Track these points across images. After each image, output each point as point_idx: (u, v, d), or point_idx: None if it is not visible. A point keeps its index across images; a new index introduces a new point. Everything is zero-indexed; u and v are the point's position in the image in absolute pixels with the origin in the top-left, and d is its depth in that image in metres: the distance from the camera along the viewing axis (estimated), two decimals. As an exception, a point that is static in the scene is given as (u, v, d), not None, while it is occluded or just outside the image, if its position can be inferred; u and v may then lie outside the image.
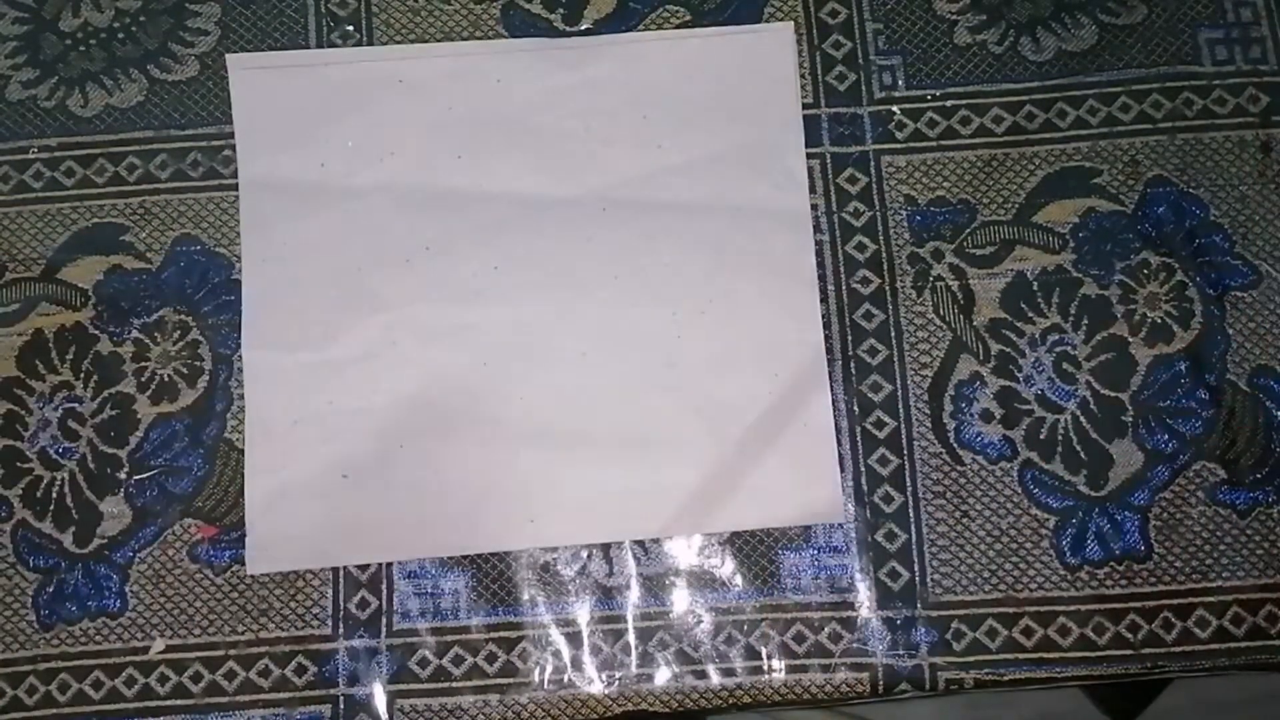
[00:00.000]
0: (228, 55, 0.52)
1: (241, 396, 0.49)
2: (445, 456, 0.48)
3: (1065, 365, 0.49)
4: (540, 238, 0.50)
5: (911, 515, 0.48)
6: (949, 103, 0.52)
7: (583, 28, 0.52)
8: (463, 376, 0.49)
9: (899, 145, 0.51)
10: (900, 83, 0.52)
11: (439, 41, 0.52)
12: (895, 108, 0.52)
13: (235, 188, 0.51)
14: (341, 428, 0.49)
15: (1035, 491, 0.48)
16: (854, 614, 0.47)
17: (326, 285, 0.50)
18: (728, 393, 0.49)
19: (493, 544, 0.48)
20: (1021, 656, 0.47)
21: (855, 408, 0.49)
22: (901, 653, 0.47)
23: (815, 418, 0.49)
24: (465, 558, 0.48)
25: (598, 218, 0.51)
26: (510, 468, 0.48)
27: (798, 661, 0.47)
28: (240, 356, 0.49)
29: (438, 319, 0.50)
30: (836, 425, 0.49)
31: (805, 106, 0.52)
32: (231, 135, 0.51)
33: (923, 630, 0.47)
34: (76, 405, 0.49)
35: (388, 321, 0.50)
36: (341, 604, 0.48)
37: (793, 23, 0.52)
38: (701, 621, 0.47)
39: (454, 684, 0.47)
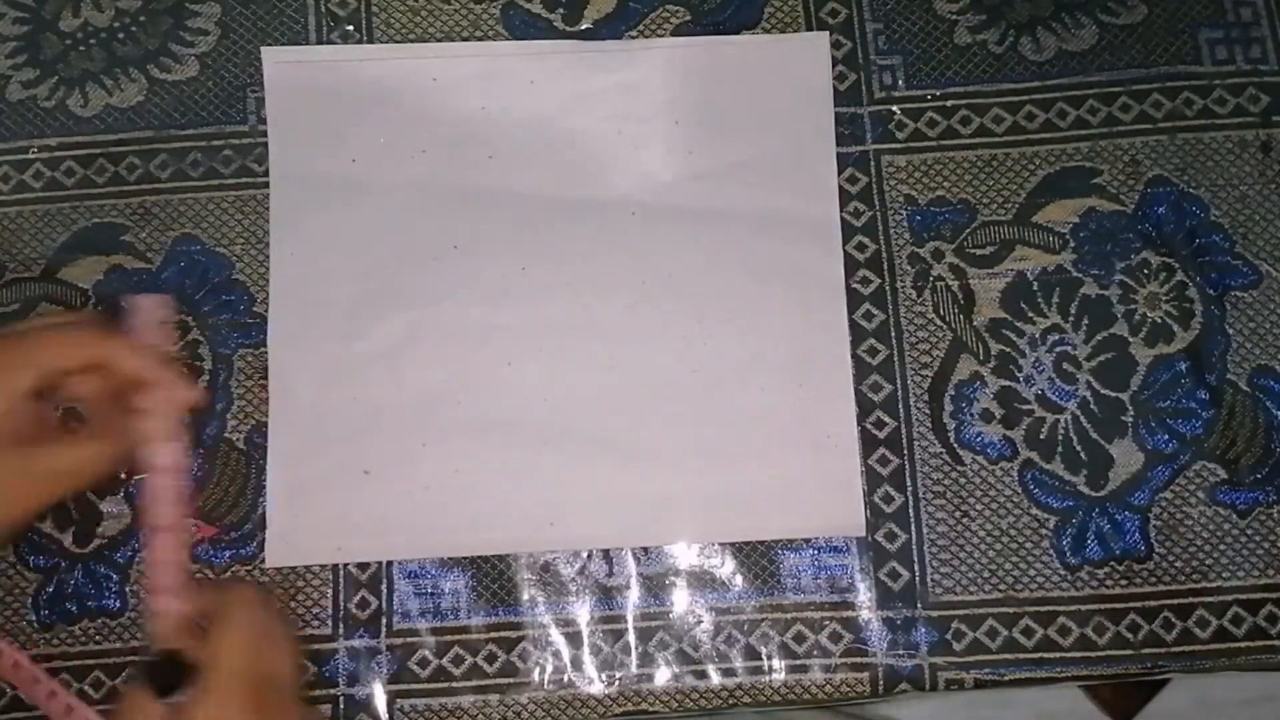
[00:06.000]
0: (263, 49, 0.52)
1: (241, 396, 0.49)
2: (467, 457, 0.48)
3: (1065, 365, 0.49)
4: (568, 240, 0.50)
5: (911, 515, 0.48)
6: (949, 103, 0.52)
7: (583, 28, 0.52)
8: (487, 377, 0.49)
9: (899, 145, 0.51)
10: (900, 83, 0.52)
11: (445, 41, 0.52)
12: (895, 107, 0.52)
13: (235, 187, 0.51)
14: (365, 424, 0.49)
15: (1035, 491, 0.48)
16: (854, 614, 0.47)
17: (354, 281, 0.50)
18: (752, 402, 0.49)
19: (512, 546, 0.48)
20: (1021, 656, 0.47)
21: (855, 408, 0.49)
22: (902, 653, 0.47)
23: (839, 430, 0.48)
24: (465, 557, 0.48)
25: (627, 222, 0.50)
26: (532, 470, 0.48)
27: (798, 662, 0.47)
28: (240, 356, 0.49)
29: (463, 318, 0.49)
30: (836, 425, 0.49)
31: (805, 106, 0.51)
32: (232, 135, 0.51)
33: (923, 630, 0.47)
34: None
35: (413, 319, 0.49)
36: (341, 604, 0.48)
37: (827, 32, 0.52)
38: (701, 621, 0.47)
39: (454, 684, 0.47)
